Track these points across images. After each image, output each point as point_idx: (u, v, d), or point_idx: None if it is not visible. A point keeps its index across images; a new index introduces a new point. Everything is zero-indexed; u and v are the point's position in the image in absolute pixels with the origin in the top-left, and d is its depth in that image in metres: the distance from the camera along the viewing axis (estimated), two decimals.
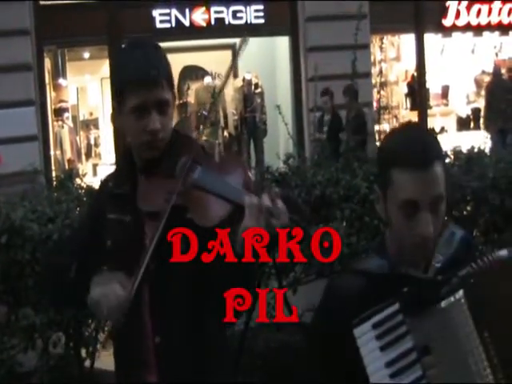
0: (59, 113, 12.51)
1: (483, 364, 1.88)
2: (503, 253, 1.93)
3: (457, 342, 1.89)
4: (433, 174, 1.89)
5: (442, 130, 14.53)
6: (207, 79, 13.21)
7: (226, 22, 10.39)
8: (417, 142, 1.93)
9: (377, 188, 2.02)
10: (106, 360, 4.49)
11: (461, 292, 1.90)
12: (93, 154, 15.01)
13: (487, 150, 5.46)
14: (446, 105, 14.96)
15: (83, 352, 4.41)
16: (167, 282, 2.19)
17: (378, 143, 7.70)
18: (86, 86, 15.10)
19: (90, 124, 15.33)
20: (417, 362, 1.88)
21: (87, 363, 4.48)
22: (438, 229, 1.94)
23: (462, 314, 1.89)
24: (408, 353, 1.89)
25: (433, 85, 13.95)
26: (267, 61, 12.55)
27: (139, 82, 2.15)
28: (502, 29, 12.14)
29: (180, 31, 10.14)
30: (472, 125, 14.80)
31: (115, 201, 2.28)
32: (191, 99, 13.28)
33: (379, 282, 1.95)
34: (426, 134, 2.02)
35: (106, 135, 14.00)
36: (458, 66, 14.54)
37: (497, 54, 13.18)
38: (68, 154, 12.53)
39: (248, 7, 10.42)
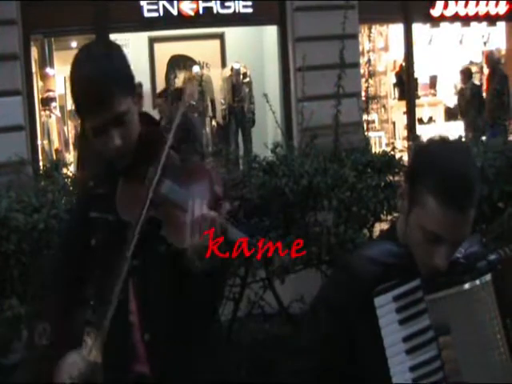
0: (46, 102, 12.42)
1: (503, 349, 1.88)
2: None
3: (478, 325, 1.89)
4: (465, 217, 1.87)
5: (430, 120, 14.56)
6: (195, 69, 13.15)
7: (214, 11, 10.32)
8: (460, 179, 1.86)
9: (405, 187, 1.98)
10: None
11: (488, 276, 1.90)
12: None
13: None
14: (434, 95, 14.97)
15: None
16: (150, 279, 2.18)
17: (366, 133, 7.67)
18: None
19: None
20: (433, 340, 1.89)
21: None
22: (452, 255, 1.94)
23: (488, 297, 1.89)
24: (425, 330, 1.90)
25: (421, 75, 13.95)
26: (255, 50, 12.49)
27: (90, 107, 2.09)
28: (490, 19, 12.13)
29: (168, 20, 10.07)
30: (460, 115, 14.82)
31: (97, 200, 2.26)
32: None
33: (399, 270, 1.95)
34: (470, 166, 1.92)
35: None
36: (446, 56, 14.54)
37: (485, 44, 13.18)
38: (56, 144, 12.44)
39: None
